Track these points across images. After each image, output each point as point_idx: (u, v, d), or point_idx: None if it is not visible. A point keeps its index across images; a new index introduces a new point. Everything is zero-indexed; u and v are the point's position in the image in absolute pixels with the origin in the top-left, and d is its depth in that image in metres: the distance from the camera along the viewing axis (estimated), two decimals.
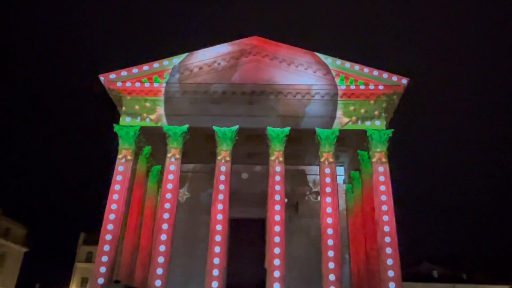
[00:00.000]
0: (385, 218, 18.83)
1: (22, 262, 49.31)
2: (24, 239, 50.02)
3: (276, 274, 17.95)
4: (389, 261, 17.91)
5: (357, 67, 21.61)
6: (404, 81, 21.22)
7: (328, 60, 21.88)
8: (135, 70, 21.79)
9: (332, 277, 17.92)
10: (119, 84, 21.51)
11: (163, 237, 18.90)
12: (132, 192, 21.59)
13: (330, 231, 18.80)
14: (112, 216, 19.06)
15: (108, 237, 18.65)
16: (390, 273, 17.69)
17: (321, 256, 18.70)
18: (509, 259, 56.39)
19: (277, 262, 18.20)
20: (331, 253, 18.37)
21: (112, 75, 21.66)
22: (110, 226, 18.85)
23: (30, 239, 51.37)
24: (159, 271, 18.24)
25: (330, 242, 18.58)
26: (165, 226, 19.11)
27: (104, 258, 18.24)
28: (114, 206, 19.28)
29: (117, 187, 19.72)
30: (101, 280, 17.65)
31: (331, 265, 18.17)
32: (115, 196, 19.50)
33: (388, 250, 18.16)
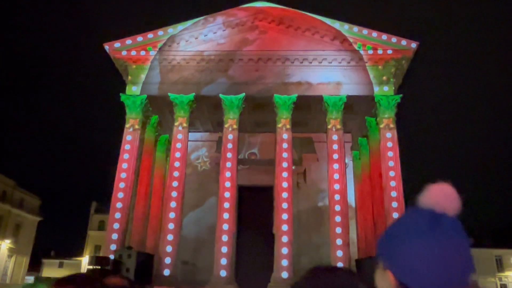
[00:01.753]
0: (392, 183, 18.91)
1: (37, 231, 50.64)
2: (37, 209, 51.16)
3: (284, 239, 18.30)
4: None
5: (365, 31, 21.16)
6: (414, 45, 20.79)
7: (335, 25, 21.43)
8: (139, 38, 21.55)
9: (339, 241, 18.22)
10: (124, 53, 21.35)
11: (173, 204, 19.22)
12: (141, 161, 21.81)
13: (337, 197, 18.97)
14: (122, 185, 19.35)
15: (119, 205, 19.00)
16: None
17: (329, 222, 18.98)
18: None
19: (285, 227, 18.50)
20: (338, 219, 18.61)
21: (117, 44, 21.46)
22: (120, 195, 19.17)
23: (43, 209, 52.58)
24: (170, 237, 18.66)
25: (337, 207, 18.78)
26: (174, 194, 19.39)
27: (116, 226, 18.65)
28: (123, 175, 19.54)
29: (126, 156, 19.91)
30: (113, 246, 18.11)
31: (338, 230, 18.44)
32: (124, 165, 19.73)
33: (395, 215, 18.30)
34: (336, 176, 19.34)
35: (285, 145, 20.07)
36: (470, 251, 1.16)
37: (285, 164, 19.68)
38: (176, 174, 19.80)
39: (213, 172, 23.65)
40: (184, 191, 20.10)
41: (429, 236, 1.14)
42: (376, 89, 20.59)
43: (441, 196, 1.22)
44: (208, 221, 21.82)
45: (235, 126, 20.58)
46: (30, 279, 43.17)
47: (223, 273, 17.97)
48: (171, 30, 21.67)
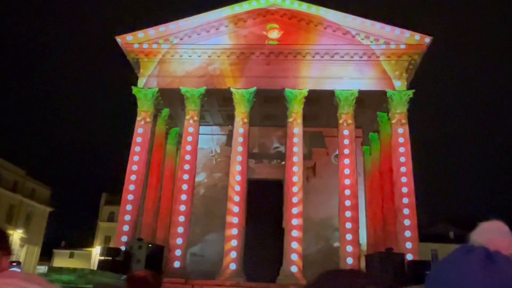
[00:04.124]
0: (404, 179, 18.82)
1: (48, 221, 51.30)
2: (48, 199, 51.79)
3: (294, 233, 18.34)
4: (406, 222, 18.06)
5: (378, 25, 20.96)
6: (427, 39, 20.56)
7: (348, 18, 21.26)
8: (151, 31, 21.60)
9: (349, 236, 18.22)
10: (136, 46, 21.42)
11: (183, 197, 19.35)
12: (152, 153, 21.95)
13: (347, 192, 18.94)
14: (133, 177, 19.51)
15: (130, 197, 19.17)
16: (407, 234, 17.87)
17: (338, 217, 18.97)
18: None
19: (294, 221, 18.55)
20: (348, 214, 18.59)
21: (129, 37, 21.53)
22: (131, 187, 19.34)
23: (54, 199, 53.22)
24: (180, 229, 18.81)
25: (348, 202, 18.75)
26: (184, 187, 19.52)
27: (127, 217, 18.84)
28: (135, 167, 19.69)
29: (137, 148, 20.05)
30: (124, 238, 18.30)
31: (348, 225, 18.43)
32: (136, 158, 19.88)
33: (406, 211, 18.27)
34: (347, 171, 19.29)
35: (295, 140, 20.05)
36: None
37: (295, 159, 19.67)
38: (186, 167, 19.90)
39: (224, 165, 23.72)
40: (195, 184, 20.22)
41: (484, 276, 1.10)
42: (388, 84, 20.43)
43: (495, 233, 1.18)
44: (218, 213, 21.92)
45: (246, 120, 20.59)
46: (42, 268, 43.80)
47: (232, 266, 18.09)
48: (183, 23, 21.68)
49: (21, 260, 44.60)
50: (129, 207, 19.02)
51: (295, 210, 18.74)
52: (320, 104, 21.79)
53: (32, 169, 50.49)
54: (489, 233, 1.19)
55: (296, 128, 20.24)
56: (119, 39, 21.55)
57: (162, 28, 21.63)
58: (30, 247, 47.17)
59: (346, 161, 19.51)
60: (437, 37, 21.28)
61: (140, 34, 21.55)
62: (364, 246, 20.80)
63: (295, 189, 19.09)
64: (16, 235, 44.38)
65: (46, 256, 53.38)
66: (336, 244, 18.88)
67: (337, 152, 21.13)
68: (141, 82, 21.32)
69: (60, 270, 14.62)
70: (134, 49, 21.45)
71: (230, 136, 21.89)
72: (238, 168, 19.70)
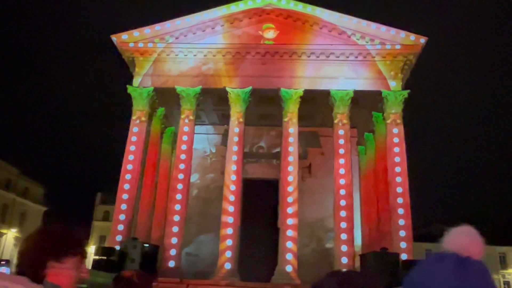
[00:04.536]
0: (398, 179, 18.89)
1: (42, 220, 50.99)
2: (42, 198, 51.50)
3: (289, 233, 18.36)
4: (401, 222, 18.13)
5: (373, 26, 21.02)
6: (422, 40, 20.64)
7: (343, 18, 21.30)
8: (147, 30, 21.54)
9: (344, 236, 18.27)
10: (131, 44, 21.34)
11: (178, 196, 19.32)
12: (147, 153, 21.89)
13: (342, 191, 18.98)
14: (128, 176, 19.45)
15: (125, 196, 19.12)
16: (402, 233, 17.94)
17: (333, 216, 19.01)
18: None
19: (289, 221, 18.57)
20: (343, 213, 18.64)
21: (124, 36, 21.46)
22: (126, 186, 19.28)
23: (48, 198, 52.93)
24: (175, 229, 18.78)
25: (343, 202, 18.80)
26: (180, 186, 19.48)
27: (122, 217, 18.78)
28: (130, 167, 19.63)
29: (132, 148, 19.99)
30: (119, 237, 18.24)
31: (343, 224, 18.48)
32: (131, 157, 19.82)
33: (400, 211, 18.34)
34: (342, 170, 19.34)
35: (291, 139, 20.07)
36: None
37: (291, 158, 19.70)
38: (182, 166, 19.87)
39: (219, 165, 23.72)
40: (190, 184, 20.20)
41: (456, 282, 1.11)
42: (384, 84, 20.49)
43: (465, 240, 1.19)
44: (213, 213, 21.91)
45: (241, 120, 20.58)
46: None
47: (227, 266, 18.09)
48: (178, 22, 21.64)
49: (15, 259, 44.28)
50: (124, 206, 18.96)
51: (290, 210, 18.76)
52: (316, 104, 21.82)
53: (25, 168, 50.20)
54: (459, 240, 1.20)
55: (292, 128, 20.26)
56: (114, 37, 21.47)
57: (157, 27, 21.57)
58: None
59: (341, 160, 19.55)
60: (433, 37, 21.37)
61: (136, 33, 21.48)
62: (358, 246, 20.84)
63: (290, 188, 19.12)
64: (10, 235, 44.12)
65: None
66: (331, 243, 18.92)
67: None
68: (136, 81, 21.25)
69: None
70: (129, 48, 21.39)
71: (225, 135, 21.89)
72: (233, 167, 19.70)
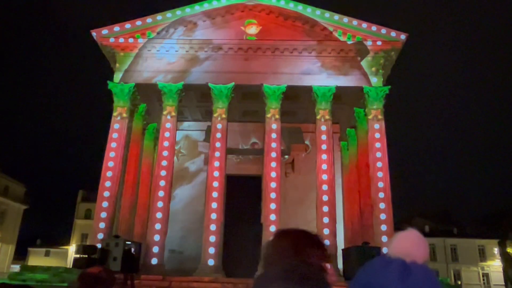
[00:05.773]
0: (380, 174, 19.10)
1: (22, 219, 50.09)
2: (23, 196, 50.56)
3: (272, 228, 18.39)
4: (382, 216, 18.35)
5: (355, 22, 21.16)
6: (403, 36, 20.87)
7: (325, 14, 21.37)
8: (128, 25, 21.24)
9: (326, 231, 18.40)
10: (111, 40, 21.03)
11: (161, 193, 19.17)
12: (129, 150, 21.64)
13: (325, 187, 19.11)
14: (109, 174, 19.21)
15: (106, 194, 18.88)
16: (383, 227, 18.17)
17: (316, 211, 19.13)
18: (499, 214, 57.94)
19: (273, 217, 18.62)
20: (325, 208, 18.78)
21: (105, 31, 21.14)
22: (107, 183, 19.04)
23: (29, 197, 51.98)
24: (158, 226, 18.65)
25: (325, 197, 18.94)
26: (162, 183, 19.33)
27: (103, 214, 18.56)
28: (111, 164, 19.39)
29: (113, 144, 19.74)
30: (100, 235, 18.02)
31: (326, 219, 18.62)
32: (112, 154, 19.57)
33: (382, 205, 18.56)
34: (324, 166, 19.46)
35: (274, 135, 20.09)
36: None
37: (273, 154, 19.73)
38: (164, 163, 19.72)
39: (202, 161, 23.64)
40: (172, 180, 20.06)
41: (401, 287, 1.12)
42: (365, 80, 20.66)
43: (410, 245, 1.20)
44: (196, 210, 21.85)
45: (224, 116, 20.51)
46: (16, 267, 42.79)
47: (210, 262, 18.06)
48: (159, 17, 21.41)
49: None
50: (105, 204, 18.74)
51: (273, 206, 18.81)
52: (298, 100, 21.88)
53: (5, 166, 49.21)
54: (404, 245, 1.22)
55: (274, 124, 20.28)
56: (94, 32, 21.13)
57: (138, 22, 21.30)
58: (4, 246, 46.02)
59: (324, 156, 19.67)
60: (413, 34, 21.62)
61: (116, 27, 21.17)
62: (341, 241, 21.00)
63: (273, 184, 19.16)
64: None
65: (21, 255, 52.16)
66: None
67: None
68: (117, 77, 20.96)
69: (33, 268, 14.34)
70: (109, 43, 21.07)
71: (208, 132, 21.79)
72: (217, 164, 19.63)
